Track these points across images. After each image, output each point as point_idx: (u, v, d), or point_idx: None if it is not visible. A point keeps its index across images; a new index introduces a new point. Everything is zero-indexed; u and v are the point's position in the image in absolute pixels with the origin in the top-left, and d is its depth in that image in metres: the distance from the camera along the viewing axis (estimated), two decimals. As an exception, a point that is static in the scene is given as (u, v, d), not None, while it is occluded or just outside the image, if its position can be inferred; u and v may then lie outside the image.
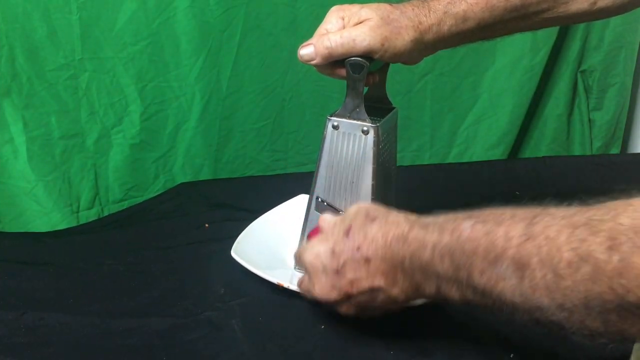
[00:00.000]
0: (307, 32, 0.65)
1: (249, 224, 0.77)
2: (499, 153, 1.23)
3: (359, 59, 0.62)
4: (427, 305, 0.63)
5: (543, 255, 0.40)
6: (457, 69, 1.17)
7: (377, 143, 0.64)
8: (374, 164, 0.65)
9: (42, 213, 1.00)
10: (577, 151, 1.28)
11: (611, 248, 0.36)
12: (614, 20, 1.19)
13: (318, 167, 0.67)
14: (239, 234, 0.74)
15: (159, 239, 0.82)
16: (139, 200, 1.05)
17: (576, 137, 1.28)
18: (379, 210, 0.55)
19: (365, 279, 0.53)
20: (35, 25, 0.93)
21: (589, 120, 1.27)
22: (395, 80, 1.13)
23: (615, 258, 0.36)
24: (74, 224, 1.01)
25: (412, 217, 0.52)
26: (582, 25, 1.20)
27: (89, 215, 1.04)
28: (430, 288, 0.49)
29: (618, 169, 1.07)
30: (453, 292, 0.48)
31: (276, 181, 1.04)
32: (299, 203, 0.80)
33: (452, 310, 0.65)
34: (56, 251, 0.81)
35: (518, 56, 1.18)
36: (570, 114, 1.27)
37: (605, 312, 0.37)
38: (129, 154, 1.04)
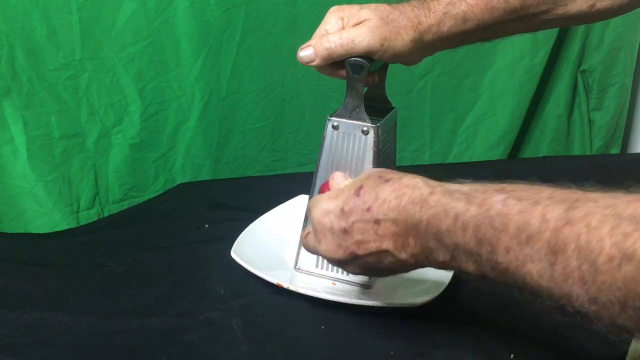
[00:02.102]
0: (307, 32, 0.65)
1: (249, 224, 0.77)
2: (499, 153, 1.23)
3: (359, 59, 0.62)
4: (428, 306, 0.63)
5: (582, 244, 0.37)
6: (457, 69, 1.17)
7: (377, 143, 0.64)
8: (373, 164, 0.65)
9: (42, 213, 1.00)
10: (577, 151, 1.28)
11: None
12: (614, 21, 1.19)
13: (318, 167, 0.67)
14: (239, 234, 0.74)
15: (159, 239, 0.82)
16: (139, 200, 1.05)
17: (576, 137, 1.28)
18: (393, 172, 0.53)
19: (373, 241, 0.51)
20: (35, 25, 0.93)
21: (589, 120, 1.27)
22: (395, 80, 1.13)
23: None
24: (74, 224, 1.01)
25: (433, 182, 0.50)
26: (582, 26, 1.20)
27: (89, 215, 1.04)
28: (443, 256, 0.47)
29: (618, 169, 1.06)
30: (469, 265, 0.45)
31: (276, 181, 1.04)
32: (299, 203, 0.80)
33: (452, 310, 0.65)
34: (56, 251, 0.80)
35: (518, 56, 1.18)
36: (570, 114, 1.27)
37: None
38: (129, 154, 1.04)
